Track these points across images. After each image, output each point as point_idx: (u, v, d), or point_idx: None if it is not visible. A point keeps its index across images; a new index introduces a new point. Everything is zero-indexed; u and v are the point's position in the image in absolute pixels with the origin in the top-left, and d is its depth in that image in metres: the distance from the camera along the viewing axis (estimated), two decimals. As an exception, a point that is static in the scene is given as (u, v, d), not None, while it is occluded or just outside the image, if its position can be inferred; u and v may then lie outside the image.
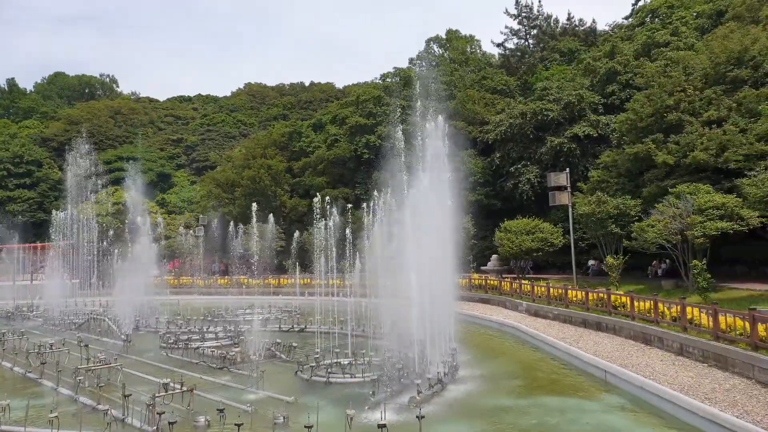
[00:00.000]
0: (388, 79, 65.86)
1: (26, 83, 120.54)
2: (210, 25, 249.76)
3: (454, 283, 36.19)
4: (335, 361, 17.06)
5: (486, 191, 49.14)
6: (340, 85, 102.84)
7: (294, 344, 19.90)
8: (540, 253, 37.26)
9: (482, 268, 42.12)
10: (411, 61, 78.39)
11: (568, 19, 64.76)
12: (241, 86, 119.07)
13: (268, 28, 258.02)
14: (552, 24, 65.10)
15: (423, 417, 10.44)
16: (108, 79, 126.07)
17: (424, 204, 18.37)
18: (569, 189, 32.85)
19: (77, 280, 46.47)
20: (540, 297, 27.36)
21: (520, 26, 65.51)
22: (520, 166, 46.06)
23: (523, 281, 31.62)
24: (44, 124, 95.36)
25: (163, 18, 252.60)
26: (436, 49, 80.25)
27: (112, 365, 16.69)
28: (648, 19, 49.43)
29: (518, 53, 65.37)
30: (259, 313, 30.89)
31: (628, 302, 20.04)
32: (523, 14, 64.77)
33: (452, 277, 35.08)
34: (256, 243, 54.04)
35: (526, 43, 66.21)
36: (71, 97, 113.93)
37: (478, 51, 79.07)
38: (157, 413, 11.24)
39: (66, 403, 13.87)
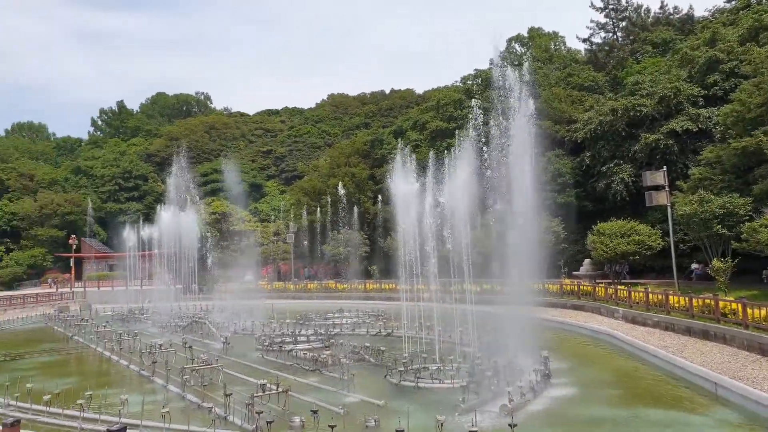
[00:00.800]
0: (468, 82, 65.40)
1: (133, 104, 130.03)
2: (293, 41, 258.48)
3: (544, 289, 35.46)
4: (423, 366, 17.15)
5: (576, 192, 47.47)
6: (420, 90, 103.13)
7: (382, 348, 20.18)
8: (637, 257, 35.48)
9: (574, 273, 40.67)
10: (492, 62, 77.40)
11: (661, 7, 61.56)
12: (325, 97, 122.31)
13: (349, 40, 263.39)
14: (643, 14, 62.10)
15: (516, 425, 10.30)
16: (203, 97, 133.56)
17: (510, 207, 18.11)
18: (667, 188, 31.12)
19: (181, 285, 49.47)
20: (638, 303, 26.02)
21: (608, 19, 62.95)
22: (612, 165, 44.15)
23: (618, 286, 30.22)
24: (148, 141, 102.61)
25: (251, 36, 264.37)
26: (518, 48, 78.73)
27: (213, 366, 17.68)
28: (754, 1, 46.00)
29: (606, 47, 62.82)
30: (348, 317, 31.58)
31: (740, 309, 18.57)
32: (611, 6, 62.21)
33: (542, 283, 34.30)
34: (342, 249, 55.35)
35: (615, 36, 63.52)
36: (171, 115, 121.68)
37: (563, 47, 76.81)
38: (256, 412, 11.82)
39: (175, 399, 14.83)
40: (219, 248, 66.57)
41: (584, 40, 65.88)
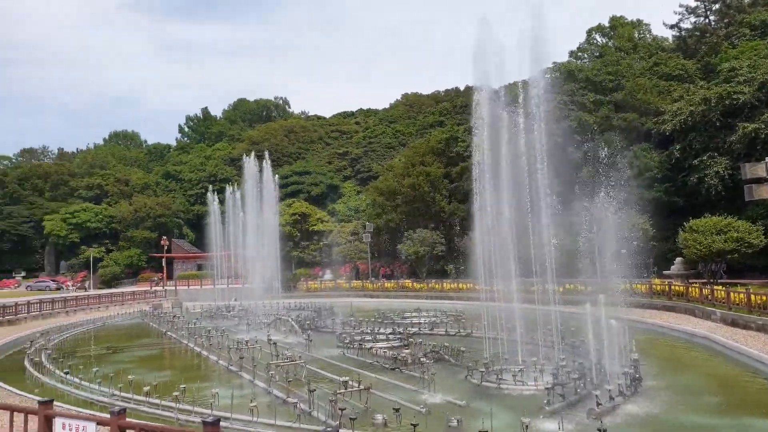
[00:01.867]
0: (546, 75, 63.51)
1: (216, 110, 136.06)
2: (367, 43, 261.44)
3: (632, 289, 33.89)
4: (505, 367, 16.83)
5: (665, 187, 45.08)
6: (496, 86, 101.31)
7: (462, 348, 19.99)
8: (735, 255, 33.20)
9: (664, 272, 38.61)
10: (571, 53, 74.90)
11: (760, -13, 57.31)
12: (398, 97, 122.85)
13: (422, 38, 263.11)
14: (739, -5, 58.13)
15: (605, 430, 9.90)
16: (281, 101, 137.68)
17: (594, 205, 17.45)
18: (771, 180, 28.92)
19: (264, 284, 51.20)
20: (738, 304, 24.29)
21: (698, 2, 59.36)
22: (705, 157, 41.55)
23: (715, 287, 28.38)
24: (231, 145, 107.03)
25: (326, 40, 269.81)
26: (598, 39, 75.71)
27: (297, 362, 18.17)
28: None
29: (697, 33, 59.24)
30: (426, 317, 31.53)
31: None
32: (702, -11, 58.66)
33: (630, 283, 32.80)
34: (418, 248, 55.32)
35: (706, 20, 59.79)
36: (252, 120, 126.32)
37: (648, 36, 73.12)
38: (339, 409, 12.03)
39: (261, 394, 15.34)
40: (299, 248, 68.47)
41: (672, 27, 62.52)
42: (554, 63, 64.58)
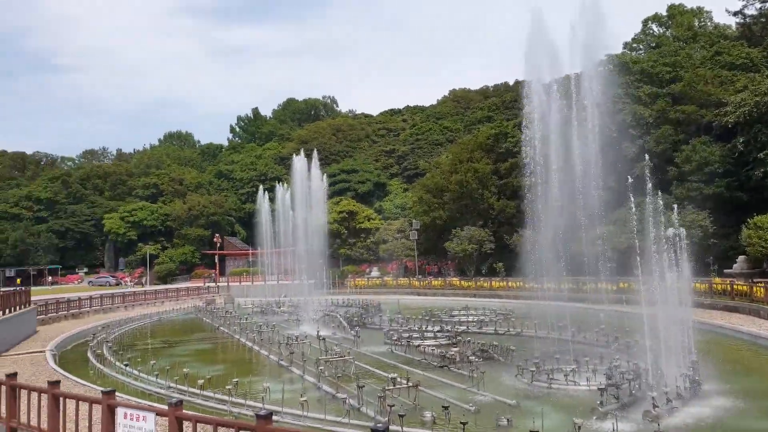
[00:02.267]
0: (599, 68, 61.77)
1: (266, 110, 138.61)
2: (414, 40, 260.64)
3: (690, 288, 32.56)
4: (556, 367, 16.49)
5: (727, 182, 43.13)
6: (547, 80, 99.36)
7: (512, 347, 19.71)
8: (803, 253, 31.55)
9: (726, 271, 36.94)
10: (626, 45, 72.59)
11: (832, -31, 54.07)
12: (446, 93, 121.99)
13: (469, 34, 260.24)
14: (809, -21, 54.93)
15: (662, 433, 9.56)
16: (329, 100, 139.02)
17: (650, 201, 16.86)
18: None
19: (313, 280, 51.89)
20: (807, 305, 23.08)
21: (765, -12, 56.36)
22: (772, 150, 39.53)
23: (782, 286, 27.02)
24: (281, 144, 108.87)
25: (373, 38, 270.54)
26: (655, 29, 73.09)
27: (346, 358, 18.33)
28: None
29: (762, 19, 56.22)
30: (474, 315, 31.25)
31: None
32: (769, -28, 55.68)
33: (689, 281, 31.54)
34: (465, 245, 54.85)
35: (773, 6, 56.73)
36: (300, 119, 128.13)
37: (709, 24, 70.10)
38: (388, 405, 12.05)
39: (310, 389, 15.54)
40: (347, 245, 69.06)
41: (735, 13, 59.47)
42: (607, 55, 62.71)
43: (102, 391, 8.41)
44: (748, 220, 34.72)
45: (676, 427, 11.72)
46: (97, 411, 8.46)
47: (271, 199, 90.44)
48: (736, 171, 43.27)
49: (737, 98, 43.03)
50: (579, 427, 10.35)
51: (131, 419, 7.50)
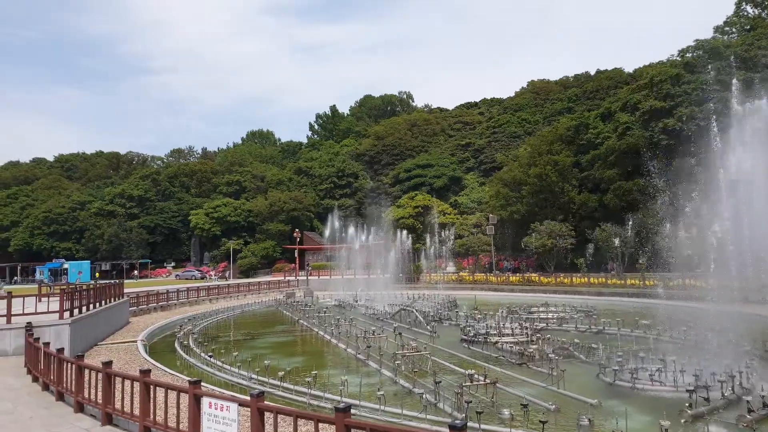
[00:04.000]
0: (687, 54, 58.43)
1: (343, 107, 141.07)
2: (490, 31, 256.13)
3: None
4: (641, 366, 15.87)
5: None
6: (629, 68, 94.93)
7: (593, 345, 19.14)
8: None
9: None
10: (717, 29, 68.11)
11: None
12: (524, 85, 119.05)
13: (548, 22, 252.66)
14: None
15: (758, 439, 9.03)
16: (405, 96, 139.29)
17: (746, 191, 15.85)
18: None
19: (389, 274, 52.34)
20: None
21: None
22: None
23: None
24: (358, 141, 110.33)
25: (448, 32, 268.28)
26: (750, 11, 68.15)
27: (422, 353, 18.43)
28: None
29: None
30: (554, 312, 30.51)
31: None
32: None
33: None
34: (545, 240, 53.53)
35: None
36: (377, 116, 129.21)
37: (816, 0, 64.50)
38: (465, 401, 12.04)
39: (387, 383, 15.72)
40: (422, 240, 69.14)
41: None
42: (696, 41, 59.27)
43: (188, 381, 8.87)
44: None
45: (773, 434, 11.03)
46: (184, 399, 8.98)
47: (349, 195, 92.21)
48: None
49: None
50: (666, 430, 9.93)
51: (216, 408, 7.84)
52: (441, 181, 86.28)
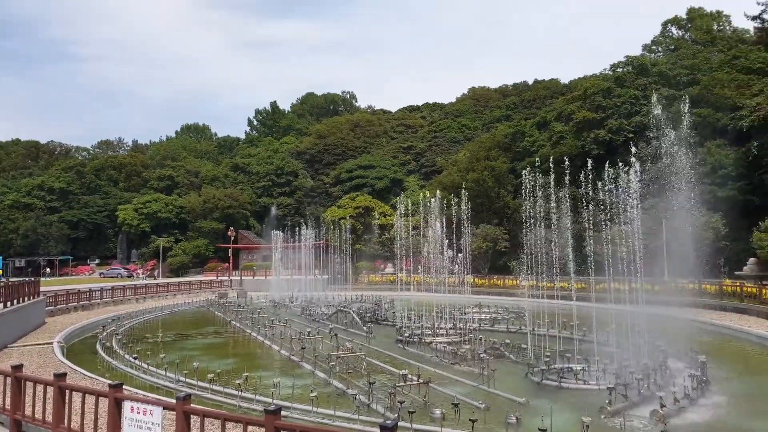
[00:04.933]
0: (618, 69, 61.42)
1: (284, 104, 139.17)
2: (434, 37, 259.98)
3: (701, 289, 32.50)
4: (567, 366, 16.54)
5: (740, 186, 42.85)
6: (565, 80, 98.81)
7: (523, 345, 19.78)
8: (815, 257, 31.29)
9: (736, 273, 36.78)
10: (645, 47, 72.06)
11: None
12: (465, 91, 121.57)
13: (490, 33, 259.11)
14: (830, -18, 54.12)
15: (669, 433, 9.62)
16: (348, 96, 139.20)
17: (661, 203, 16.82)
18: None
19: (327, 276, 52.13)
20: (817, 309, 22.96)
21: (785, -9, 55.61)
22: (786, 155, 39.21)
23: (792, 290, 26.88)
24: (299, 139, 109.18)
25: (393, 35, 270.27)
26: (674, 32, 72.51)
27: (357, 354, 18.47)
28: None
29: (781, 24, 55.60)
30: (486, 313, 31.28)
31: None
32: (789, -24, 54.93)
33: (699, 283, 31.55)
34: (480, 243, 54.79)
35: (793, 10, 55.95)
36: (319, 114, 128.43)
37: (727, 28, 69.36)
38: (398, 402, 12.17)
39: (321, 384, 15.66)
40: (362, 241, 69.22)
41: (754, 18, 58.73)
42: (626, 56, 62.36)
43: (109, 384, 8.46)
44: (760, 223, 34.55)
45: (683, 427, 11.75)
46: (104, 404, 8.51)
47: (287, 194, 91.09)
48: (750, 174, 43.00)
49: (753, 102, 42.81)
50: (587, 426, 10.41)
51: (138, 413, 7.49)
52: (382, 183, 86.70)
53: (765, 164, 41.35)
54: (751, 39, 60.51)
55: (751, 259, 35.86)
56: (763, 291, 28.34)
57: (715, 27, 69.16)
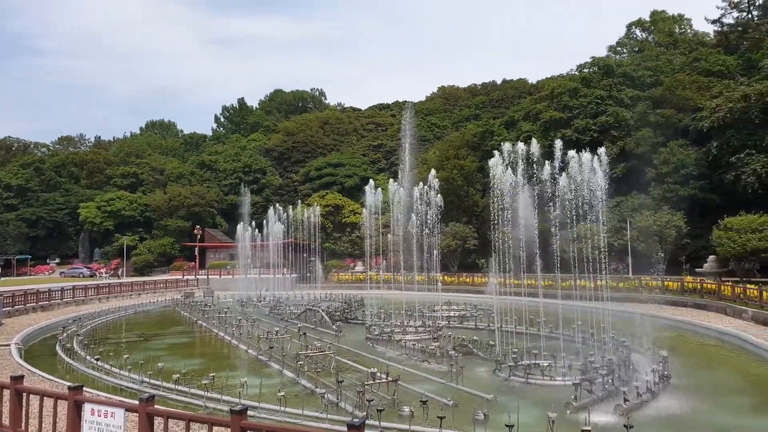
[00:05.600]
0: (585, 70, 62.53)
1: (252, 101, 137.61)
2: (405, 36, 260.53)
3: (663, 286, 33.31)
4: (534, 362, 16.75)
5: (700, 185, 44.09)
6: (533, 80, 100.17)
7: (491, 342, 19.96)
8: (770, 254, 32.43)
9: (697, 270, 37.88)
10: (610, 48, 73.55)
11: (808, -21, 55.19)
12: (435, 90, 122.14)
13: (460, 32, 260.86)
14: (785, -12, 56.10)
15: (632, 426, 9.80)
16: (318, 93, 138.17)
17: (626, 201, 17.17)
18: (811, 180, 28.03)
19: (296, 274, 51.71)
20: (772, 304, 23.81)
21: (742, -3, 57.50)
22: (743, 155, 40.52)
23: (748, 285, 27.78)
24: (267, 136, 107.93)
25: (363, 33, 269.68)
26: (638, 34, 74.21)
27: (326, 353, 18.38)
28: None
29: (739, 28, 57.41)
30: (456, 310, 31.50)
31: None
32: (746, -18, 56.77)
33: (662, 280, 32.30)
34: (450, 241, 55.17)
35: (749, 15, 57.90)
36: (288, 111, 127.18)
37: (689, 31, 71.38)
38: (367, 400, 12.13)
39: (289, 384, 15.54)
40: (332, 239, 68.92)
41: (714, 22, 60.61)
42: (592, 57, 63.53)
43: (69, 387, 8.18)
44: (719, 221, 35.60)
45: (645, 421, 12.01)
46: (63, 407, 8.22)
47: (255, 191, 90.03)
48: (710, 174, 44.27)
49: (712, 104, 44.05)
50: (553, 422, 10.53)
51: (99, 415, 7.26)
52: (352, 181, 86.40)
53: (724, 164, 42.62)
54: (711, 42, 62.34)
55: (711, 257, 36.97)
56: (722, 287, 29.24)
57: (677, 30, 71.03)
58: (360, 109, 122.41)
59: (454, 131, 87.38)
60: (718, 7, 60.03)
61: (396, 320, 27.02)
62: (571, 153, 21.04)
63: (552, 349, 18.33)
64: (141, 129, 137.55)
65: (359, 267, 64.12)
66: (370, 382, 13.86)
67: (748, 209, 35.93)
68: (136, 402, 7.53)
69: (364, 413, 11.72)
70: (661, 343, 18.72)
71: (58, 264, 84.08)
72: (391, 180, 48.60)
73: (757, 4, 57.13)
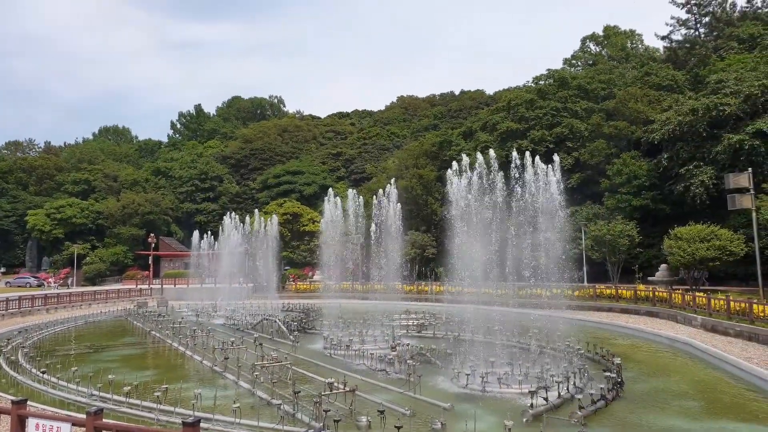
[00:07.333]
0: (540, 82, 64.09)
1: (210, 108, 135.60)
2: (365, 45, 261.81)
3: (617, 294, 34.20)
4: (491, 370, 16.88)
5: (652, 195, 45.59)
6: (490, 91, 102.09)
7: (449, 351, 20.05)
8: (717, 263, 33.68)
9: (649, 278, 39.06)
10: (565, 61, 75.61)
11: (749, 1, 58.09)
12: (394, 100, 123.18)
13: (420, 43, 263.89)
14: (728, 9, 58.93)
15: (586, 433, 9.99)
16: (276, 100, 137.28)
17: (582, 210, 17.58)
18: (753, 191, 29.33)
19: (252, 284, 50.93)
20: (718, 311, 24.70)
21: (689, 15, 60.29)
22: (691, 167, 42.12)
23: (697, 293, 28.76)
24: (224, 143, 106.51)
25: (324, 42, 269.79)
26: (592, 48, 76.56)
27: (283, 363, 18.11)
28: None
29: (687, 45, 60.01)
30: (414, 319, 31.56)
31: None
32: (693, 2, 59.38)
33: (616, 289, 33.11)
34: (409, 250, 55.41)
35: (696, 33, 60.59)
36: (246, 118, 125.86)
37: (640, 46, 74.14)
38: (324, 411, 12.00)
39: (245, 395, 15.25)
40: (290, 248, 68.26)
41: (663, 38, 63.22)
42: (548, 70, 65.19)
43: (12, 401, 7.90)
44: (670, 231, 36.77)
45: (599, 427, 12.24)
46: (6, 422, 7.91)
47: (212, 199, 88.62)
48: (661, 185, 45.79)
49: (663, 117, 45.68)
50: (509, 430, 10.64)
51: (44, 430, 7.07)
52: (311, 189, 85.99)
53: (674, 175, 44.16)
54: (661, 57, 64.84)
55: (663, 265, 38.17)
56: (673, 295, 30.15)
57: (629, 45, 73.67)
58: (319, 117, 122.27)
59: (413, 140, 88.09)
60: (667, 24, 62.86)
61: (354, 330, 26.87)
62: (527, 162, 21.44)
63: (509, 356, 18.55)
64: (94, 134, 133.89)
65: (318, 276, 63.67)
66: (327, 393, 13.72)
67: (696, 219, 37.29)
68: (84, 416, 7.29)
69: (321, 424, 11.60)
70: (614, 350, 19.18)
71: (3, 273, 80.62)
72: (350, 188, 48.33)
73: (703, 22, 59.85)
